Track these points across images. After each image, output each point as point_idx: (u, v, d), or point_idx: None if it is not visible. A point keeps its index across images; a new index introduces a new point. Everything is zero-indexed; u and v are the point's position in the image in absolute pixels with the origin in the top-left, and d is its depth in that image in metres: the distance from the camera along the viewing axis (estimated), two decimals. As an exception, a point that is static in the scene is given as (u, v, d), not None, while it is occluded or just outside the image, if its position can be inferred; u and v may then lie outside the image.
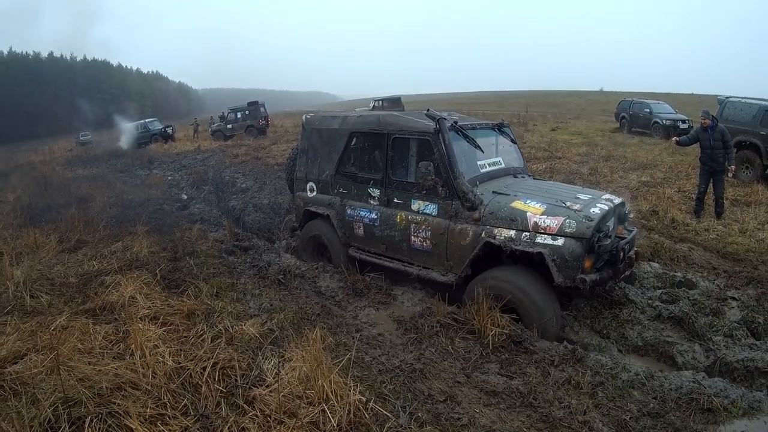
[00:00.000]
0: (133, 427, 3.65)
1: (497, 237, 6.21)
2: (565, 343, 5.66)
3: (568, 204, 6.17)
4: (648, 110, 28.73)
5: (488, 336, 5.65)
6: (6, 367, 4.47)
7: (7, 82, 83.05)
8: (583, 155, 19.83)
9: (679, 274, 7.97)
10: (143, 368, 4.43)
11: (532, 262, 6.06)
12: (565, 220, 5.86)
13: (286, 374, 4.34)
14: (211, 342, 5.03)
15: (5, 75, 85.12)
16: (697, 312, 6.64)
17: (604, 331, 6.43)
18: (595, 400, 4.70)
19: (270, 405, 3.98)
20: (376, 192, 7.56)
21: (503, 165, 7.72)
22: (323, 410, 3.92)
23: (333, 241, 8.27)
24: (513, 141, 8.36)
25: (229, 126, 39.00)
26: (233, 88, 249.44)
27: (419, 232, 7.02)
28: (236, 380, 4.40)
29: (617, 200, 6.81)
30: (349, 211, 7.92)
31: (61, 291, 6.66)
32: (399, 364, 5.12)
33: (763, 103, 15.50)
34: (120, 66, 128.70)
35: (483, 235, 6.34)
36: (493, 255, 6.40)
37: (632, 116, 30.02)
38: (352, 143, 8.00)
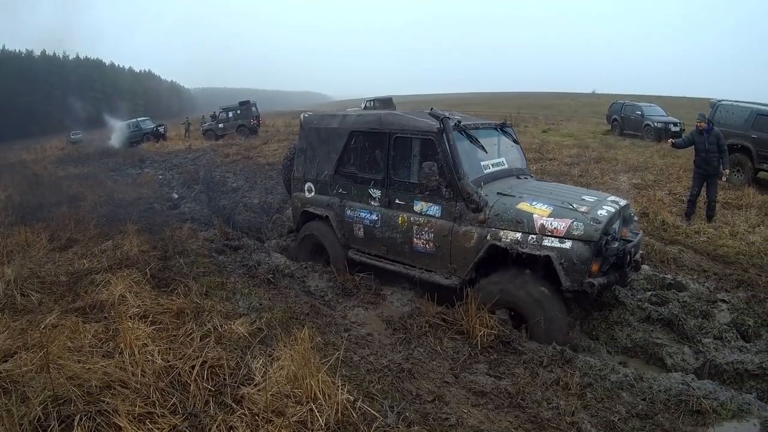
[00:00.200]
0: (122, 425, 3.65)
1: (503, 239, 6.10)
2: (553, 344, 5.61)
3: (574, 206, 6.08)
4: (639, 113, 28.97)
5: (477, 336, 5.64)
6: (-4, 366, 4.47)
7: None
8: (574, 157, 19.92)
9: (669, 276, 8.01)
10: (132, 367, 4.43)
11: (538, 265, 5.97)
12: (572, 222, 5.77)
13: (275, 373, 4.35)
14: (200, 341, 5.04)
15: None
16: (687, 314, 6.63)
17: (594, 333, 6.43)
18: (584, 401, 4.70)
19: (258, 404, 3.98)
20: (376, 193, 7.42)
21: (506, 166, 7.59)
22: (311, 409, 3.92)
23: (332, 243, 8.12)
24: (515, 141, 8.24)
25: (221, 125, 38.95)
26: (225, 88, 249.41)
27: (422, 234, 6.89)
28: (225, 379, 4.41)
29: (622, 202, 6.74)
30: (348, 212, 7.79)
31: (51, 289, 6.65)
32: (387, 364, 5.12)
33: (755, 106, 15.60)
34: (113, 64, 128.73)
35: (488, 237, 6.23)
36: (497, 258, 6.29)
37: (624, 118, 30.23)
38: (352, 143, 7.83)
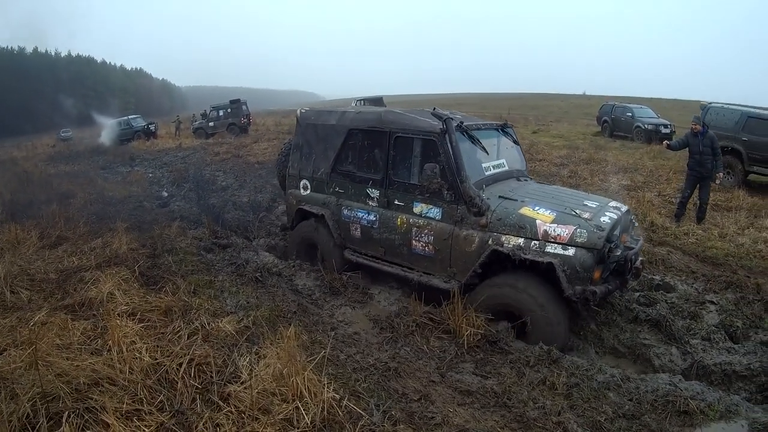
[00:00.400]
0: (109, 422, 3.66)
1: (505, 245, 6.01)
2: (540, 344, 5.58)
3: (577, 212, 6.01)
4: (630, 114, 29.02)
5: (463, 336, 5.65)
6: (-15, 363, 4.47)
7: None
8: (563, 158, 20.00)
9: (657, 277, 8.04)
10: (120, 364, 4.44)
11: (539, 271, 5.89)
12: (576, 229, 5.71)
13: (261, 371, 4.36)
14: (188, 338, 5.03)
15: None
16: (675, 315, 6.67)
17: (581, 333, 6.43)
18: (570, 401, 4.71)
19: (244, 401, 4.00)
20: (375, 193, 7.29)
21: (506, 167, 7.50)
22: (297, 407, 3.94)
23: (327, 243, 7.98)
24: (515, 142, 8.15)
25: (211, 124, 38.87)
26: (216, 86, 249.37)
27: (421, 237, 6.76)
28: (212, 377, 4.42)
29: (624, 208, 6.64)
30: (345, 212, 7.65)
31: (41, 287, 6.63)
32: (374, 363, 5.13)
33: (746, 109, 15.70)
34: (104, 62, 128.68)
35: (490, 242, 6.13)
36: (497, 262, 6.20)
37: (614, 120, 30.29)
38: (350, 140, 7.64)
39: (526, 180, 7.67)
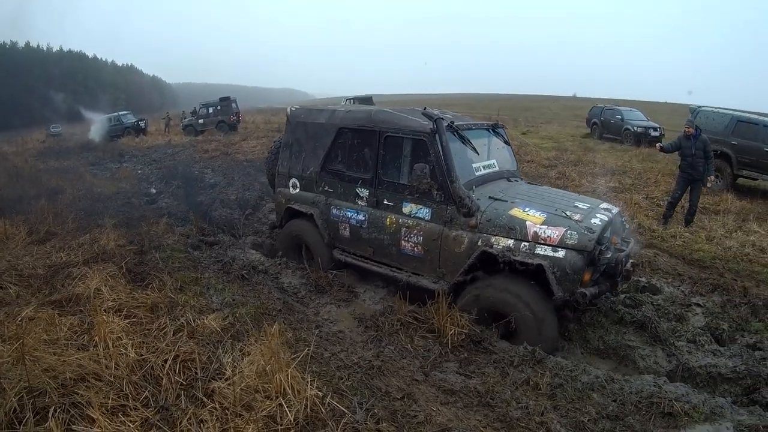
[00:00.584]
0: (95, 417, 3.66)
1: (495, 246, 5.99)
2: (525, 344, 5.58)
3: (568, 213, 6.00)
4: (619, 117, 29.03)
5: (448, 335, 5.65)
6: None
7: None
8: (552, 159, 20.03)
9: (643, 279, 8.06)
10: (106, 360, 4.45)
11: (528, 272, 5.85)
12: (566, 231, 5.69)
13: (245, 368, 4.37)
14: (173, 335, 5.04)
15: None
16: (661, 317, 6.70)
17: (567, 334, 6.41)
18: (554, 402, 4.73)
19: (228, 398, 4.00)
20: (364, 192, 7.26)
21: (497, 168, 7.48)
22: (280, 404, 3.95)
23: (316, 242, 7.95)
24: (506, 142, 8.10)
25: (201, 121, 38.81)
26: (206, 83, 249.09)
27: (410, 237, 6.74)
28: (196, 373, 4.43)
29: (615, 210, 6.65)
30: (334, 211, 7.62)
31: (29, 282, 6.61)
32: (357, 361, 5.14)
33: (735, 113, 15.81)
34: (95, 58, 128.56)
35: (479, 243, 6.12)
36: (486, 263, 6.16)
37: (603, 122, 30.32)
38: (340, 139, 7.60)
39: (516, 180, 7.64)
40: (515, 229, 5.95)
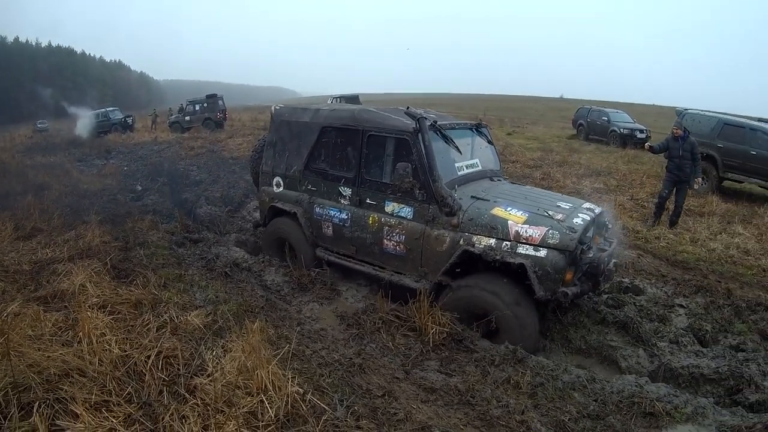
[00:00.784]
0: (78, 412, 3.67)
1: (476, 245, 6.01)
2: (506, 343, 5.59)
3: (550, 213, 6.02)
4: (606, 118, 29.16)
5: (429, 334, 5.68)
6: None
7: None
8: (537, 160, 20.16)
9: (626, 279, 8.09)
10: (90, 356, 4.44)
11: (509, 271, 5.88)
12: (548, 230, 5.70)
13: (226, 364, 4.38)
14: (157, 331, 5.04)
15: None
16: (643, 318, 6.70)
17: (549, 334, 6.43)
18: (534, 401, 4.76)
19: (210, 394, 4.02)
20: (347, 191, 7.24)
21: (480, 167, 7.49)
22: (261, 401, 3.97)
23: (299, 240, 7.93)
24: (490, 142, 8.09)
25: (187, 118, 38.88)
26: (194, 80, 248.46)
27: (392, 236, 6.75)
28: (179, 369, 4.44)
29: (598, 210, 6.64)
30: (317, 210, 7.60)
31: (14, 278, 6.62)
32: (339, 359, 5.16)
33: (722, 116, 15.91)
34: (84, 53, 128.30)
35: (461, 242, 6.14)
36: (469, 262, 6.21)
37: (590, 123, 30.45)
38: (324, 138, 7.56)
39: (499, 180, 7.65)
40: (497, 229, 5.96)
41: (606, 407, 4.70)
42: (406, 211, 6.67)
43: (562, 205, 6.45)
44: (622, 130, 27.25)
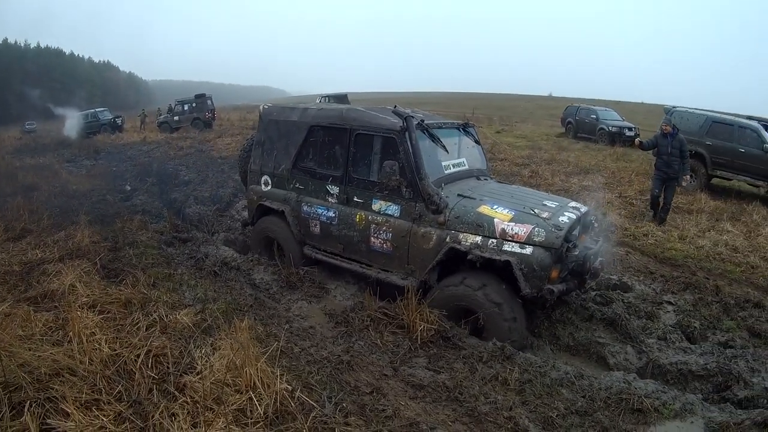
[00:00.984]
0: (69, 411, 3.68)
1: (463, 243, 6.06)
2: (494, 340, 5.63)
3: (536, 211, 6.07)
4: (594, 116, 29.22)
5: (417, 331, 5.70)
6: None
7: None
8: (525, 158, 20.19)
9: (614, 276, 8.12)
10: (80, 355, 4.44)
11: (496, 269, 5.94)
12: (533, 228, 5.75)
13: (215, 362, 4.40)
14: (146, 330, 5.05)
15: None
16: (631, 314, 6.75)
17: (537, 331, 6.46)
18: (522, 397, 4.79)
19: (199, 392, 4.03)
20: (334, 189, 7.27)
21: (467, 166, 7.55)
22: (250, 398, 3.98)
23: (287, 239, 7.95)
24: (477, 142, 8.15)
25: (176, 118, 38.86)
26: (183, 80, 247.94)
27: (379, 234, 6.80)
28: (168, 367, 4.44)
29: (584, 208, 6.68)
30: (305, 208, 7.62)
31: (4, 279, 6.60)
32: (327, 356, 5.18)
33: (710, 114, 15.97)
34: (72, 54, 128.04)
35: (448, 240, 6.18)
36: (456, 260, 6.25)
37: (578, 122, 30.48)
38: (311, 137, 7.58)
39: (486, 179, 7.70)
40: (483, 226, 6.01)
41: (594, 404, 4.74)
42: (393, 209, 6.72)
43: (549, 203, 6.50)
44: (610, 128, 27.27)
